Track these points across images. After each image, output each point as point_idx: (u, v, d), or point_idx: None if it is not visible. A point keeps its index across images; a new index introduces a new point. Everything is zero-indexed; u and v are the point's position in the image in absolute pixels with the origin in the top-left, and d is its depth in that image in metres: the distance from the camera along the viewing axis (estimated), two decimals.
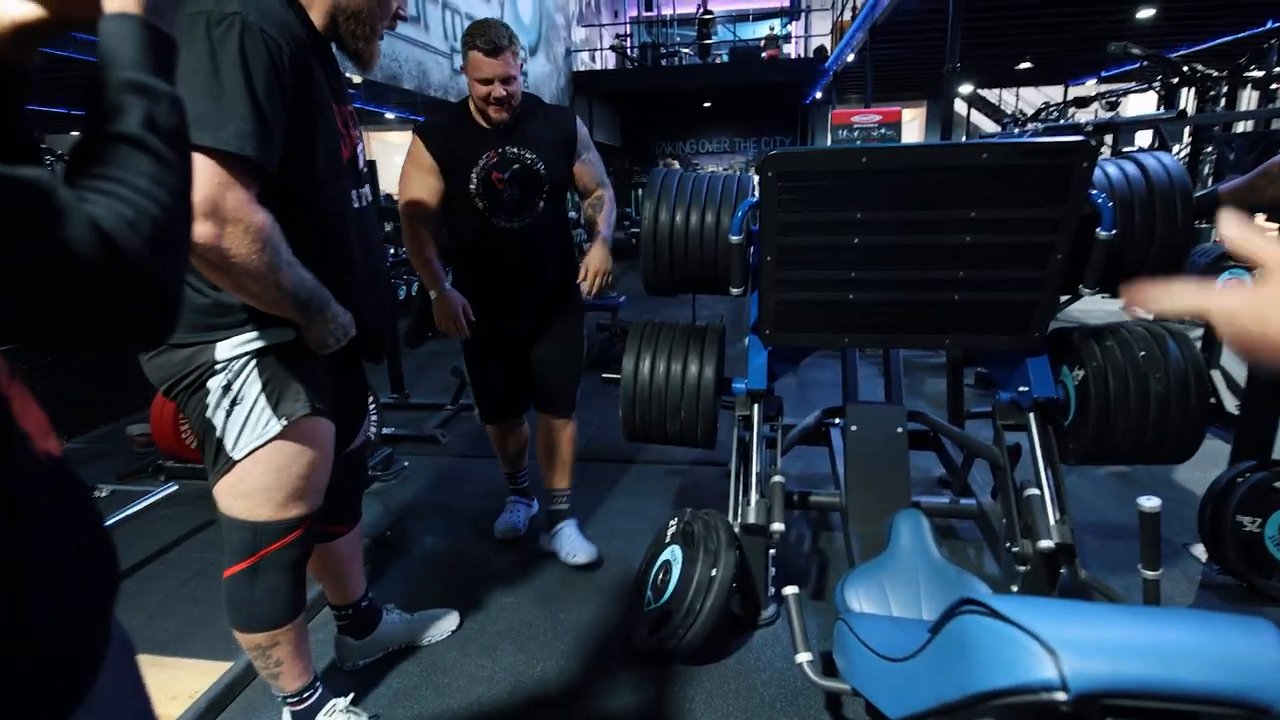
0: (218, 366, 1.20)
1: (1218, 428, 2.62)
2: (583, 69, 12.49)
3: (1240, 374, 2.42)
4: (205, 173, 1.01)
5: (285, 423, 1.23)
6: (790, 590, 1.38)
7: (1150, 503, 1.34)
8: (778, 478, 1.76)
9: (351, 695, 1.57)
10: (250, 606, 1.32)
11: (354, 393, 1.53)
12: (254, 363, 1.21)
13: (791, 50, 15.31)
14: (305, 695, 1.47)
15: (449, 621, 1.93)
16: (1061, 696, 0.63)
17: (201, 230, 1.01)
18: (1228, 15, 8.50)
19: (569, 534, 2.25)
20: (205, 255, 1.04)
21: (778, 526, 1.67)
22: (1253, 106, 5.51)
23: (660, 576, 1.79)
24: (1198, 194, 1.85)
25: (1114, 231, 1.64)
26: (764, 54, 13.91)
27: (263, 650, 1.38)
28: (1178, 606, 0.68)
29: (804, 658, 1.28)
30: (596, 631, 1.94)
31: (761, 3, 17.29)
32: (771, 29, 16.79)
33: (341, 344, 1.25)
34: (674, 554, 1.78)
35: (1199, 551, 2.22)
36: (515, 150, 1.93)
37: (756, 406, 1.91)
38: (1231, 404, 2.85)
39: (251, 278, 1.08)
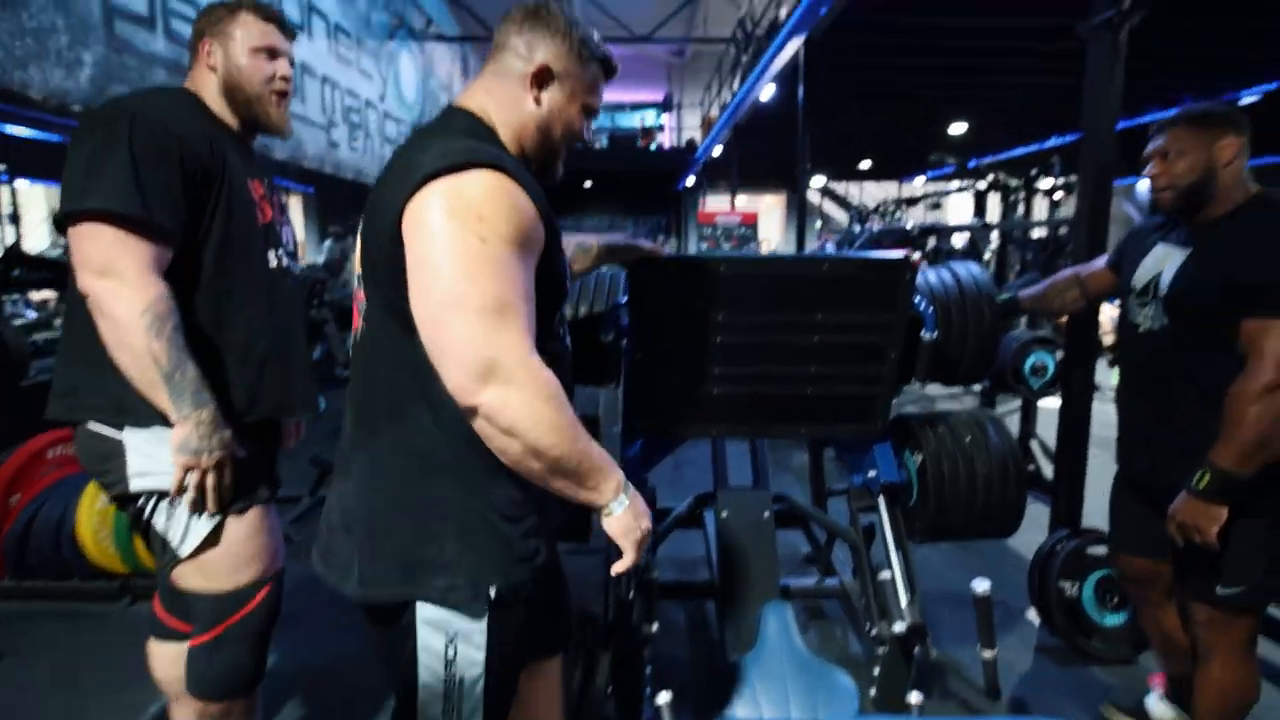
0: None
1: (1042, 494, 2.93)
2: None
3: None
4: (98, 236, 1.12)
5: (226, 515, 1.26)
6: (663, 698, 1.36)
7: (981, 586, 1.45)
8: (652, 574, 1.75)
9: None
10: (208, 676, 1.32)
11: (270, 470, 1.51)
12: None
13: (665, 140, 16.38)
14: None
15: None
16: None
17: (94, 285, 1.12)
18: (1024, 131, 10.09)
19: None
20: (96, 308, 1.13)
21: (652, 628, 1.65)
22: (1044, 213, 6.50)
23: None
24: (1002, 297, 2.13)
25: (935, 333, 1.84)
26: (640, 142, 14.77)
27: (214, 718, 1.35)
28: (990, 718, 0.73)
29: None
30: None
31: (637, 96, 18.48)
32: (643, 121, 17.93)
33: (212, 458, 1.20)
34: None
35: (1033, 616, 2.43)
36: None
37: None
38: (1049, 470, 3.22)
39: (128, 338, 1.13)
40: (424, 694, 0.99)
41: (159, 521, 1.25)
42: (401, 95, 9.90)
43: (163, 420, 1.19)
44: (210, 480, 1.21)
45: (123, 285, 1.12)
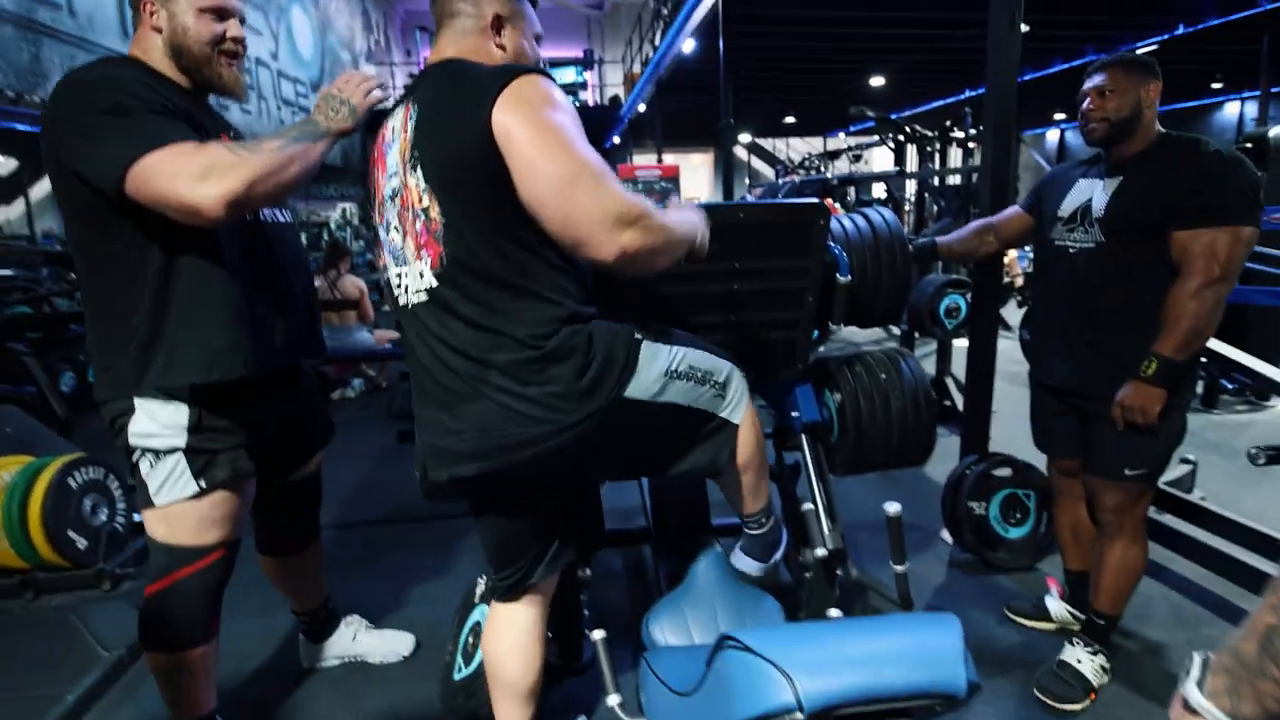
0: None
1: (954, 425, 3.13)
2: (380, 109, 12.00)
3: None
4: (161, 164, 1.14)
5: (204, 486, 1.35)
6: (597, 635, 1.41)
7: (893, 508, 1.56)
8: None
9: None
10: (159, 626, 1.40)
11: (297, 417, 1.61)
12: (177, 432, 1.33)
13: (589, 98, 15.99)
14: None
15: (402, 643, 2.04)
16: (799, 717, 0.71)
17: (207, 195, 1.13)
18: (940, 84, 10.38)
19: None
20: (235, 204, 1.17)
21: (586, 573, 1.69)
22: (959, 162, 6.76)
23: (470, 640, 1.73)
24: (918, 243, 2.26)
25: (850, 277, 1.91)
26: None
27: (164, 673, 1.43)
28: (890, 615, 0.81)
29: (614, 700, 1.31)
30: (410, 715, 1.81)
31: (558, 52, 17.94)
32: (565, 78, 17.44)
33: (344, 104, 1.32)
34: (484, 614, 1.73)
35: (946, 535, 2.62)
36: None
37: None
38: (961, 404, 3.43)
39: (272, 177, 1.19)
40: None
41: (143, 465, 1.35)
42: (297, 52, 9.29)
43: (164, 395, 1.31)
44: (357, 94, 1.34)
45: (216, 170, 1.13)
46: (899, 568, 1.55)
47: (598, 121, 13.03)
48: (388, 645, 2.03)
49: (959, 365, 3.80)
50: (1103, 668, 1.85)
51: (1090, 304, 1.80)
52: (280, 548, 1.79)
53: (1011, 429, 2.87)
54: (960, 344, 3.80)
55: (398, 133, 1.14)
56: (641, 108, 11.44)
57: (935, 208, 5.30)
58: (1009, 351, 2.89)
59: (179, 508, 1.36)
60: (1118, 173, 1.75)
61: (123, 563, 2.47)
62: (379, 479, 3.52)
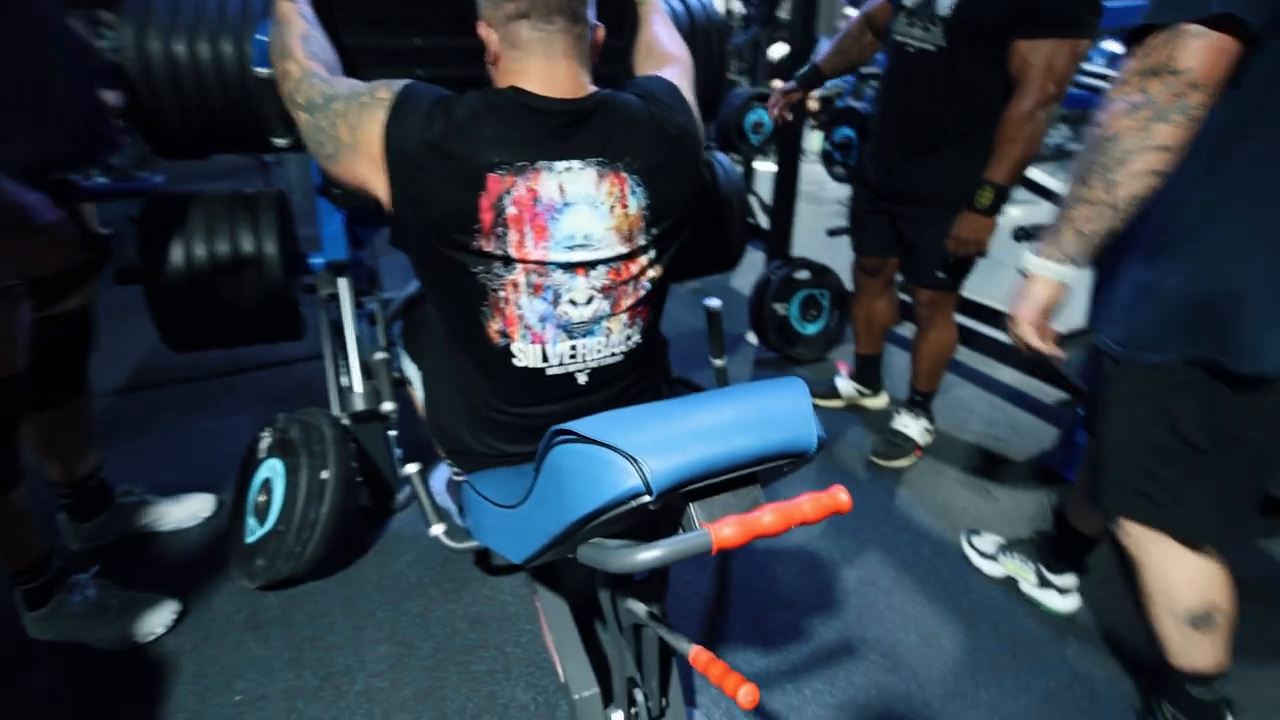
0: None
1: (758, 243, 3.23)
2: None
3: (769, 197, 2.98)
4: None
5: None
6: (411, 468, 1.28)
7: (713, 303, 1.54)
8: (380, 355, 1.56)
9: (96, 568, 1.49)
10: None
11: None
12: None
13: None
14: (35, 573, 1.38)
15: (201, 504, 1.80)
16: (647, 499, 0.63)
17: None
18: None
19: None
20: None
21: (389, 407, 1.51)
22: None
23: (261, 498, 1.51)
24: (799, 75, 2.18)
25: None
26: None
27: None
28: (732, 386, 0.76)
29: (437, 529, 1.21)
30: (196, 588, 1.59)
31: None
32: None
33: None
34: (273, 468, 1.50)
35: (751, 338, 2.77)
36: None
37: (343, 281, 1.65)
38: (765, 223, 3.54)
39: None
40: None
41: None
42: None
43: None
44: None
45: None
46: (718, 361, 1.56)
47: None
48: (184, 509, 1.77)
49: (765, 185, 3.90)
50: (926, 429, 2.15)
51: (919, 110, 1.76)
52: (38, 400, 1.42)
53: (807, 243, 3.02)
54: (762, 168, 3.86)
55: (589, 198, 0.96)
56: None
57: (743, 17, 5.09)
58: (807, 173, 2.96)
59: None
60: None
61: None
62: (133, 338, 2.89)
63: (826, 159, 2.83)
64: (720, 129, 3.06)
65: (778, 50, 4.36)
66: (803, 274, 2.61)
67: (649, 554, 0.62)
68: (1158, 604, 1.18)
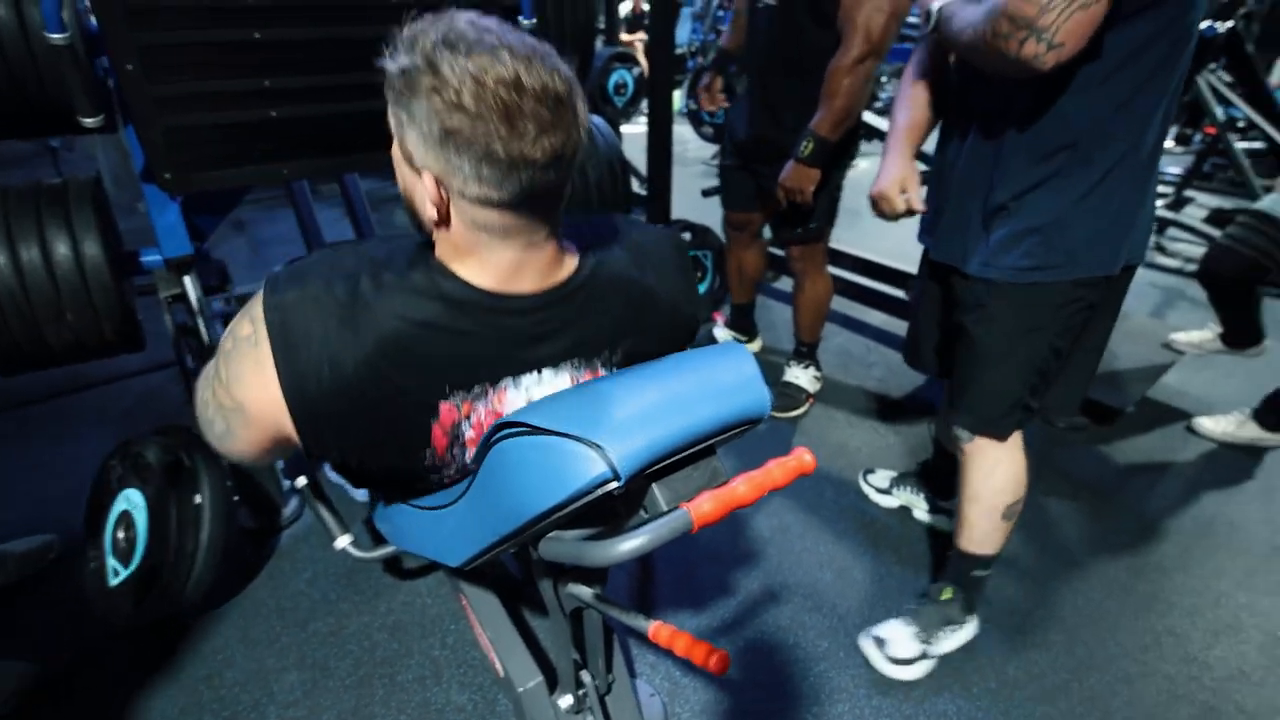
0: None
1: (637, 209, 3.21)
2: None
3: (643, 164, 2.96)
4: None
5: None
6: (300, 482, 1.15)
7: None
8: None
9: None
10: None
11: None
12: None
13: None
14: None
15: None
16: (615, 485, 0.60)
17: None
18: None
19: None
20: None
21: None
22: None
23: (122, 534, 1.31)
24: (708, 66, 2.22)
25: (535, 20, 1.63)
26: None
27: None
28: (671, 356, 0.73)
29: (343, 541, 1.10)
30: (53, 643, 1.37)
31: None
32: None
33: None
34: (130, 500, 1.31)
35: None
36: None
37: (188, 279, 1.45)
38: (637, 186, 3.52)
39: None
40: None
41: None
42: None
43: None
44: None
45: None
46: None
47: None
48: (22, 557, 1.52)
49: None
50: (815, 378, 2.26)
51: (768, 64, 1.83)
52: None
53: (682, 204, 3.03)
54: (628, 130, 3.82)
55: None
56: None
57: None
58: (679, 135, 2.97)
59: None
60: None
61: None
62: None
63: (694, 119, 2.86)
64: (586, 94, 3.00)
65: (625, 5, 4.32)
66: (684, 236, 2.63)
67: (632, 543, 0.59)
68: (983, 501, 1.30)
